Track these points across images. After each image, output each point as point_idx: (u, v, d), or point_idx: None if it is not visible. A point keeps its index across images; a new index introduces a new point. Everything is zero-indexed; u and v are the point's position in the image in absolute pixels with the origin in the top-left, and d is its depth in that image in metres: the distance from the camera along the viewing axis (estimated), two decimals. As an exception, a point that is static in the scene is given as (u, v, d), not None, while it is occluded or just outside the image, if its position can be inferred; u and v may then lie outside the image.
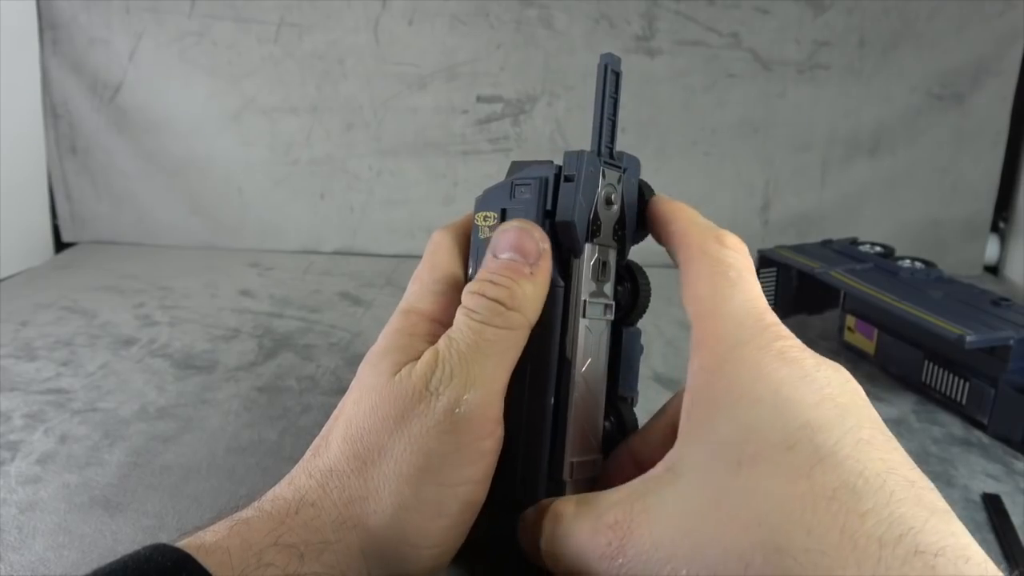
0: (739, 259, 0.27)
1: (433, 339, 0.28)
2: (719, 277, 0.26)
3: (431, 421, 0.25)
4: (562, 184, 0.29)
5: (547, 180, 0.29)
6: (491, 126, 0.81)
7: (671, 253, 0.29)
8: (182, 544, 0.24)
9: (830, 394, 0.23)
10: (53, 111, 0.82)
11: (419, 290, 0.30)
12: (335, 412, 0.29)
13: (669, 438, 0.25)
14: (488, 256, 0.28)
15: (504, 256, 0.28)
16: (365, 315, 0.65)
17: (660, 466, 0.25)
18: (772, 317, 0.26)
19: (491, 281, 0.27)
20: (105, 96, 0.81)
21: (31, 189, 0.82)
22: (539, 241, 0.28)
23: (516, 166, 0.32)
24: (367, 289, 0.72)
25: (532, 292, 0.27)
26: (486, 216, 0.30)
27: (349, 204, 0.83)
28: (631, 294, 0.32)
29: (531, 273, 0.27)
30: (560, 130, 0.80)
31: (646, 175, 0.33)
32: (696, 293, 0.26)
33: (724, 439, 0.23)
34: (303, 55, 0.79)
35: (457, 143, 0.81)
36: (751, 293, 0.26)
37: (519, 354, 0.27)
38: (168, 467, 0.41)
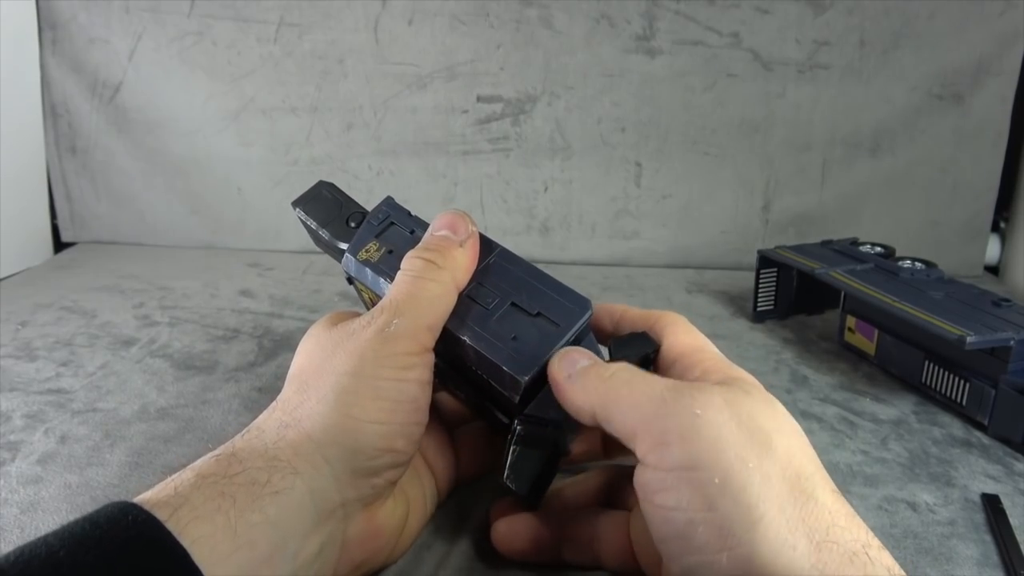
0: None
1: (339, 318, 0.34)
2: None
3: (366, 336, 0.30)
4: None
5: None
6: (491, 126, 0.81)
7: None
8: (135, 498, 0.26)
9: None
10: (53, 111, 0.82)
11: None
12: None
13: None
14: (426, 234, 0.35)
15: (440, 232, 0.34)
16: (365, 315, 0.65)
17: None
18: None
19: (426, 247, 0.33)
20: (105, 96, 0.81)
21: (31, 189, 0.82)
22: (469, 224, 0.34)
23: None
24: (367, 289, 0.72)
25: (461, 257, 0.33)
26: (367, 248, 0.36)
27: (349, 204, 0.82)
28: None
29: (461, 245, 0.33)
30: (560, 130, 0.80)
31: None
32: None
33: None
34: (303, 55, 0.79)
35: (457, 143, 0.81)
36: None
37: (447, 308, 0.33)
38: (169, 467, 0.41)
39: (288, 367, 0.33)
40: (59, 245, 0.85)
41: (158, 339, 0.59)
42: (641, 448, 0.27)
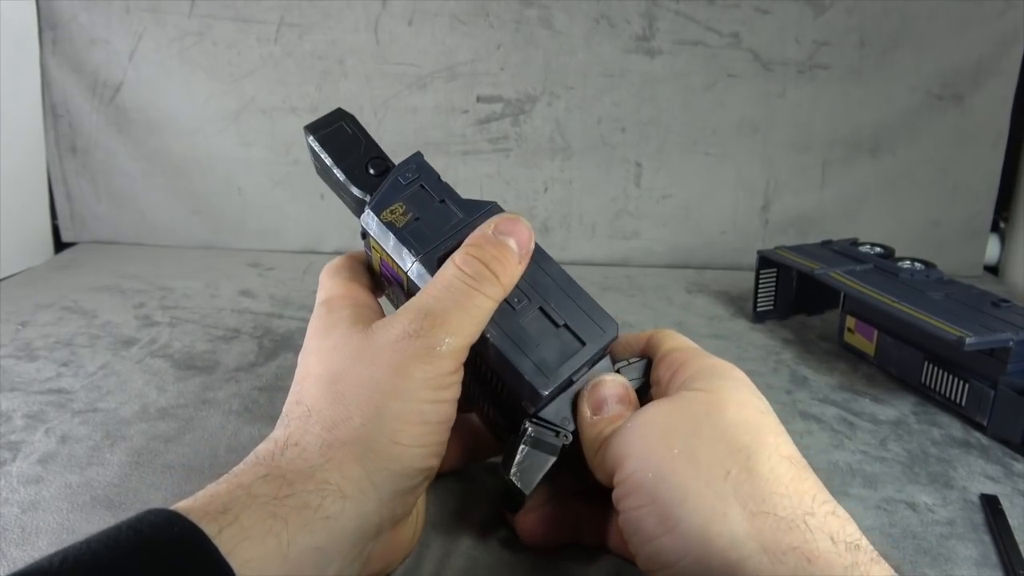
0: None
1: (359, 316, 0.32)
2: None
3: (412, 351, 0.29)
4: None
5: None
6: (491, 126, 0.81)
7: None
8: (175, 506, 0.25)
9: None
10: (53, 111, 0.82)
11: (332, 286, 0.35)
12: (298, 378, 0.32)
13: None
14: (485, 230, 0.32)
15: (503, 238, 0.32)
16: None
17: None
18: None
19: (484, 255, 0.31)
20: (105, 96, 0.81)
21: (31, 189, 0.82)
22: (531, 238, 0.33)
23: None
24: (367, 289, 0.72)
25: (518, 273, 0.32)
26: (393, 209, 0.34)
27: (349, 204, 0.83)
28: None
29: (519, 262, 0.32)
30: (560, 130, 0.80)
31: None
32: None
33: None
34: (303, 55, 0.79)
35: (457, 143, 0.81)
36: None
37: (490, 316, 0.32)
38: (170, 466, 0.41)
39: (288, 367, 0.33)
40: (59, 245, 0.85)
41: (158, 339, 0.59)
42: (613, 475, 0.30)
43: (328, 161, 0.35)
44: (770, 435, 0.28)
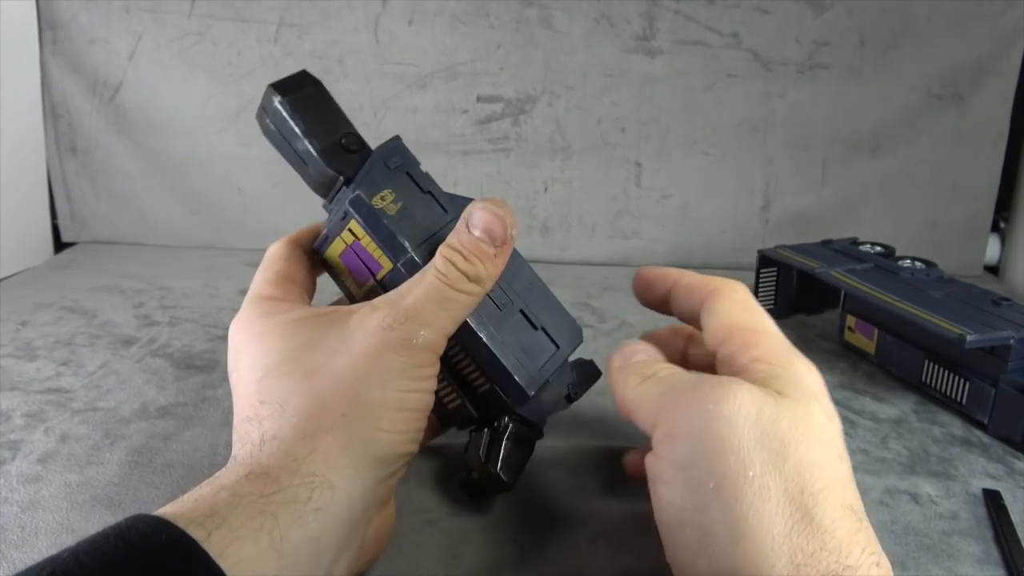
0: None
1: (319, 311, 0.32)
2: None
3: (389, 345, 0.30)
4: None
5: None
6: (491, 126, 0.81)
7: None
8: (159, 511, 0.25)
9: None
10: (53, 111, 0.82)
11: (262, 282, 0.35)
12: (248, 380, 0.32)
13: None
14: (461, 225, 0.32)
15: (476, 233, 0.32)
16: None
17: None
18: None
19: (462, 255, 0.31)
20: (105, 96, 0.81)
21: (31, 189, 0.82)
22: (509, 228, 0.32)
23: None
24: (367, 289, 0.72)
25: (492, 270, 0.32)
26: (383, 196, 0.33)
27: (349, 204, 0.83)
28: None
29: (494, 255, 0.32)
30: (560, 130, 0.80)
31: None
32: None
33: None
34: (303, 55, 0.79)
35: (457, 143, 0.81)
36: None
37: (469, 312, 0.32)
38: (170, 465, 0.41)
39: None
40: (59, 245, 0.85)
41: (158, 338, 0.59)
42: (655, 436, 0.28)
43: (298, 129, 0.32)
44: (839, 484, 0.26)
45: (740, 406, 0.26)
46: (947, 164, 0.80)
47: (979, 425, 0.49)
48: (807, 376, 0.28)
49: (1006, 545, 0.36)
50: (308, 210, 0.82)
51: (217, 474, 0.28)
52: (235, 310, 0.34)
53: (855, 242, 0.66)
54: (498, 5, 0.77)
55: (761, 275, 0.65)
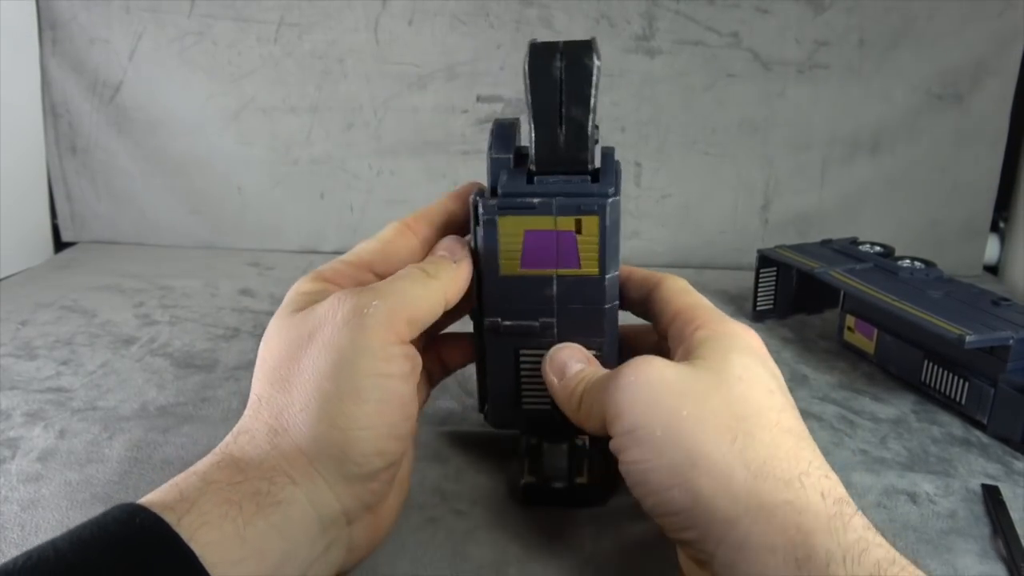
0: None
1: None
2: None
3: (340, 321, 0.29)
4: None
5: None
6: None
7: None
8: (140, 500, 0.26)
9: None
10: (53, 111, 0.82)
11: (335, 264, 0.35)
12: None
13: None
14: (429, 256, 0.35)
15: (439, 253, 0.35)
16: (365, 314, 0.65)
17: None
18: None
19: (423, 263, 0.34)
20: (105, 96, 0.81)
21: (31, 189, 0.82)
22: (463, 247, 0.35)
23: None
24: (367, 288, 0.72)
25: (452, 272, 0.34)
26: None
27: (349, 203, 0.83)
28: None
29: (455, 263, 0.34)
30: (560, 130, 0.80)
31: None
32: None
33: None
34: (303, 55, 0.79)
35: (457, 143, 0.81)
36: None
37: (430, 312, 0.32)
38: (169, 462, 0.42)
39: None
40: (59, 245, 0.85)
41: (158, 338, 0.59)
42: (607, 427, 0.31)
43: (594, 98, 0.31)
44: (772, 411, 0.29)
45: (656, 369, 0.30)
46: (947, 164, 0.80)
47: (978, 425, 0.49)
48: (743, 334, 0.32)
49: (1004, 539, 0.36)
50: (308, 210, 0.83)
51: (196, 463, 0.29)
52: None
53: (855, 242, 0.66)
54: (498, 5, 0.77)
55: (761, 275, 0.65)
